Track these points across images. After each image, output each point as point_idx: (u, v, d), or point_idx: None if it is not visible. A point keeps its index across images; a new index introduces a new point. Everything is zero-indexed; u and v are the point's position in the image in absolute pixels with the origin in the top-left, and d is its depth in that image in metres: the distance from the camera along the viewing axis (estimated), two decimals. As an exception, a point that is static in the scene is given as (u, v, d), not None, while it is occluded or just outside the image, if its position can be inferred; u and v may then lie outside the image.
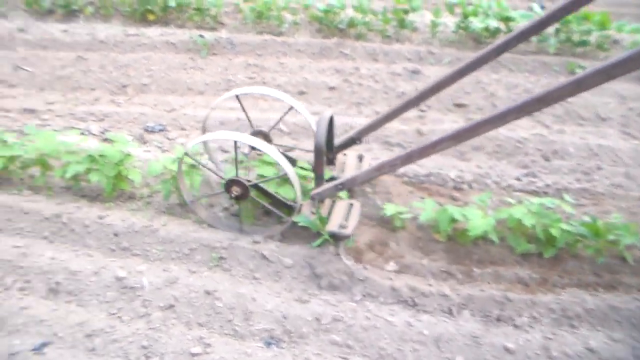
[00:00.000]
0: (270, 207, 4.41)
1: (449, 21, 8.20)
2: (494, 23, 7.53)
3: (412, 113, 6.31)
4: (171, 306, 3.97)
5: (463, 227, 4.41)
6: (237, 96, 4.81)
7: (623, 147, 5.84)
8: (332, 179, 4.58)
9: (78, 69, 7.26)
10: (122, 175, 4.91)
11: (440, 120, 6.28)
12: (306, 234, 4.38)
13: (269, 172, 4.55)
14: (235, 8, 8.72)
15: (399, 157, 3.93)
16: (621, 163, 5.65)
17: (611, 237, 4.27)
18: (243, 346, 3.70)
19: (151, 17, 8.41)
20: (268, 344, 3.75)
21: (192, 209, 4.64)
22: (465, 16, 7.68)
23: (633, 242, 4.24)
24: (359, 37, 7.83)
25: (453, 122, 6.18)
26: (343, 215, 4.28)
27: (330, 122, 4.41)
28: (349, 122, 6.09)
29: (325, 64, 7.12)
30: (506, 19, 7.53)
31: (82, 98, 6.77)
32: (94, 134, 5.95)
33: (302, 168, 4.70)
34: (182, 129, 5.98)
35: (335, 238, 4.18)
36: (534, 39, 7.78)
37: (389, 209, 4.59)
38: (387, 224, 4.72)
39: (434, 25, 7.82)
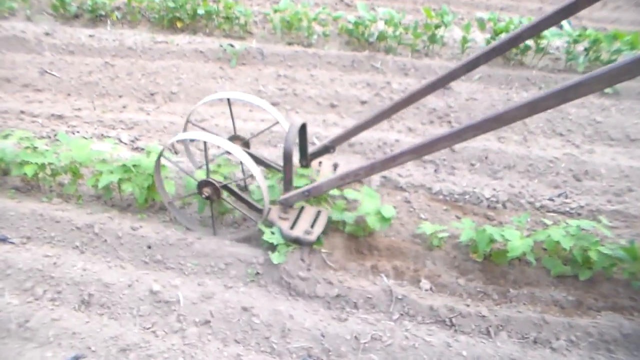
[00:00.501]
0: (240, 209, 4.52)
1: (478, 37, 8.13)
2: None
3: (444, 129, 6.25)
4: (207, 322, 3.90)
5: (499, 247, 4.39)
6: (228, 100, 4.88)
7: (653, 169, 5.74)
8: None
9: (105, 75, 7.18)
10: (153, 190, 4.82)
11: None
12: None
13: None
14: (263, 18, 8.68)
15: (363, 167, 3.96)
16: (652, 185, 5.55)
17: (648, 261, 4.21)
18: (280, 364, 3.62)
19: (179, 24, 8.34)
20: (306, 363, 3.68)
21: (169, 209, 4.67)
22: (496, 32, 7.56)
23: (669, 267, 4.18)
24: (388, 50, 7.75)
25: (484, 140, 6.09)
26: (309, 222, 4.34)
27: (303, 130, 4.52)
28: (382, 137, 5.99)
29: (357, 77, 7.02)
30: (537, 37, 7.41)
31: (110, 105, 6.69)
32: (125, 143, 5.86)
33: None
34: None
35: (300, 243, 4.24)
36: (562, 58, 7.79)
37: (427, 228, 4.54)
38: (423, 242, 4.68)
39: (465, 40, 7.73)
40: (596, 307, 4.10)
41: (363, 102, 6.65)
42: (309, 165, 4.90)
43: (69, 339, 3.74)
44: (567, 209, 5.20)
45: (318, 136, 5.98)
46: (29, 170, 4.75)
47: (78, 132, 5.97)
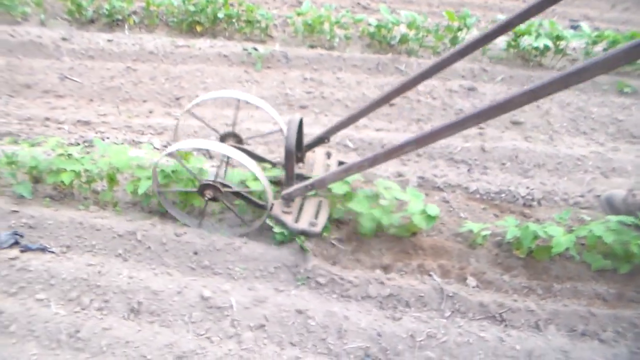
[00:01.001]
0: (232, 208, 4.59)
1: (498, 39, 8.07)
2: (545, 42, 7.39)
3: (472, 130, 6.22)
4: (262, 326, 3.86)
5: (541, 243, 4.45)
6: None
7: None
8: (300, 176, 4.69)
9: (128, 80, 7.08)
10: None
11: (500, 137, 6.18)
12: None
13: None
14: (283, 21, 8.60)
15: (367, 159, 3.99)
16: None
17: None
18: (338, 364, 3.60)
19: (199, 28, 8.24)
20: (364, 362, 3.66)
21: (159, 199, 4.68)
22: (517, 35, 7.54)
23: None
24: (409, 53, 7.70)
25: (512, 140, 6.11)
26: (313, 213, 4.41)
27: (300, 124, 4.50)
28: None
29: (382, 79, 6.97)
30: (557, 38, 7.41)
31: (135, 110, 6.59)
32: (157, 148, 5.78)
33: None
34: (246, 143, 5.80)
35: (306, 235, 4.29)
36: (580, 59, 7.88)
37: (473, 227, 4.57)
38: (465, 240, 4.72)
39: (485, 43, 7.67)
40: (637, 299, 4.17)
41: (391, 105, 6.60)
42: (303, 157, 4.92)
43: (122, 348, 3.68)
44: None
45: (351, 138, 5.94)
46: (66, 178, 4.68)
47: (108, 138, 5.87)
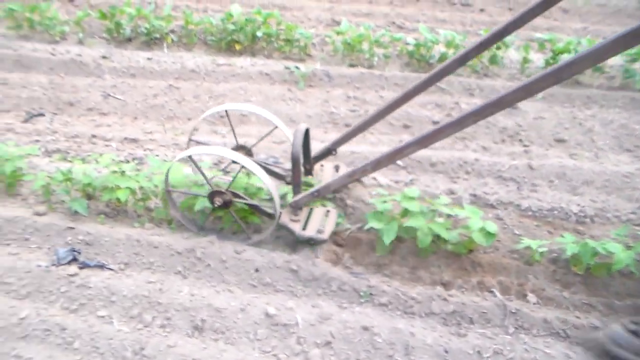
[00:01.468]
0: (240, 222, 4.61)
1: (536, 57, 8.07)
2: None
3: (517, 148, 6.22)
4: (328, 343, 3.80)
5: (598, 260, 4.39)
6: (226, 111, 5.03)
7: None
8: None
9: (171, 98, 7.08)
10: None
11: (545, 155, 6.13)
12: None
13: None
14: (321, 40, 8.62)
15: (369, 163, 4.06)
16: None
17: None
18: (406, 381, 3.56)
19: (238, 46, 8.26)
20: (432, 379, 3.62)
21: (185, 224, 4.74)
22: (555, 53, 7.53)
23: None
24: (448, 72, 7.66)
25: (557, 157, 6.06)
26: (320, 221, 4.47)
27: (307, 135, 4.58)
28: (461, 157, 5.94)
29: (424, 98, 6.94)
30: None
31: (181, 128, 6.58)
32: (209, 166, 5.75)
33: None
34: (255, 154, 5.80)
35: (313, 243, 4.40)
36: (618, 76, 7.80)
37: (531, 243, 4.52)
38: (521, 257, 4.66)
39: (525, 61, 7.69)
40: (699, 315, 4.08)
41: (435, 123, 6.58)
42: (312, 169, 4.99)
43: (189, 366, 3.65)
44: (652, 222, 5.15)
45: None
46: (122, 195, 4.68)
47: (157, 155, 5.86)
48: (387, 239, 4.39)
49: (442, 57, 7.72)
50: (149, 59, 7.84)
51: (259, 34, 8.13)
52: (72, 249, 4.50)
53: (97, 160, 5.22)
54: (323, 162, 5.19)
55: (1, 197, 5.16)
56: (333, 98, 7.03)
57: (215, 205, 4.41)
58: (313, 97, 7.07)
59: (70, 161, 5.73)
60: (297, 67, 7.44)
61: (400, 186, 5.47)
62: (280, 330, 3.89)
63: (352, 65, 7.89)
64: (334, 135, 6.30)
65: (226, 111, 5.04)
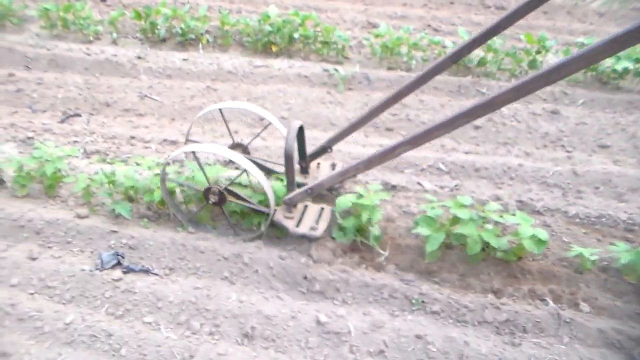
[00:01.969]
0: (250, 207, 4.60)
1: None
2: (625, 65, 7.25)
3: (561, 154, 6.11)
4: (381, 351, 3.73)
5: None
6: (220, 110, 5.12)
7: None
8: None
9: (209, 100, 7.01)
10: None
11: (588, 160, 6.03)
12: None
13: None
14: (358, 42, 8.54)
15: (361, 162, 4.06)
16: None
17: None
18: (462, 391, 3.49)
19: (274, 48, 8.20)
20: (487, 389, 3.55)
21: (176, 216, 4.76)
22: (597, 58, 7.40)
23: None
24: (486, 75, 7.57)
25: (601, 163, 5.96)
26: (314, 219, 4.51)
27: (301, 132, 4.68)
28: (505, 162, 5.85)
29: (464, 102, 6.86)
30: (637, 61, 7.27)
31: (220, 130, 6.50)
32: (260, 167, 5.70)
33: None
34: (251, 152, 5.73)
35: (307, 239, 4.44)
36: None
37: (580, 251, 4.42)
38: (571, 264, 4.55)
39: (565, 65, 7.54)
40: None
41: (477, 127, 6.49)
42: (308, 167, 5.04)
43: (240, 375, 3.56)
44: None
45: (444, 161, 5.83)
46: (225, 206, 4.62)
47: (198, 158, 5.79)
48: (431, 246, 4.32)
49: (481, 61, 7.64)
50: (184, 59, 7.79)
51: (295, 35, 8.07)
52: (115, 253, 4.44)
53: (138, 162, 5.13)
54: (320, 160, 5.22)
55: (41, 199, 5.10)
56: (373, 101, 6.93)
57: (210, 202, 4.48)
58: (352, 100, 6.99)
59: (110, 163, 5.67)
60: (336, 70, 7.35)
61: (446, 192, 5.39)
62: (332, 338, 3.83)
63: (390, 69, 7.80)
64: (375, 140, 6.25)
65: (220, 110, 5.11)
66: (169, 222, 4.85)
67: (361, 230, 4.61)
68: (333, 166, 5.22)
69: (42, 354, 3.66)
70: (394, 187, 5.40)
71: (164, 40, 8.56)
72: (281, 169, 5.05)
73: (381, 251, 4.57)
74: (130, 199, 4.99)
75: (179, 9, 8.47)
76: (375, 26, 9.18)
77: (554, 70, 3.07)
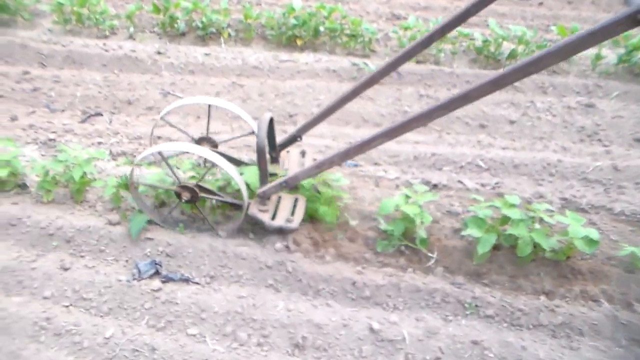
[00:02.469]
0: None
1: (607, 53, 7.77)
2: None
3: (597, 148, 5.99)
4: (437, 359, 3.62)
5: None
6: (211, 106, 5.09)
7: None
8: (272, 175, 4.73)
9: (235, 96, 6.80)
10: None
11: (628, 155, 5.87)
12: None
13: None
14: (385, 35, 8.33)
15: (337, 154, 3.98)
16: None
17: None
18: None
19: (299, 41, 8.00)
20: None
21: (150, 216, 4.59)
22: (630, 50, 7.23)
23: None
24: (516, 68, 7.38)
25: (639, 158, 5.74)
26: (289, 210, 4.45)
27: (271, 124, 4.60)
28: (544, 158, 5.70)
29: (498, 96, 6.68)
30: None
31: (250, 128, 6.30)
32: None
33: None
34: (376, 164, 5.54)
35: (282, 232, 4.37)
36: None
37: (633, 250, 4.30)
38: (621, 263, 4.41)
39: (598, 58, 7.38)
40: None
41: (512, 122, 6.33)
42: (278, 156, 5.00)
43: (294, 388, 3.44)
44: None
45: (482, 158, 5.67)
46: (202, 203, 4.52)
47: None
48: (483, 248, 4.18)
49: (512, 54, 7.47)
50: (206, 54, 7.59)
51: (321, 28, 7.86)
52: (153, 261, 4.26)
53: (178, 166, 4.93)
54: (289, 148, 5.15)
55: (67, 204, 4.91)
56: (405, 96, 6.77)
57: (183, 200, 4.40)
58: (383, 95, 6.80)
59: (137, 165, 5.46)
60: (365, 64, 7.16)
61: (487, 190, 5.23)
62: (387, 346, 3.69)
63: (419, 62, 7.60)
64: (408, 136, 6.06)
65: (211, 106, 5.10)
66: (204, 226, 4.66)
67: (406, 233, 4.45)
68: (302, 153, 5.17)
69: (84, 371, 3.49)
70: (435, 185, 5.24)
71: (183, 34, 8.34)
72: (250, 161, 5.12)
73: (429, 254, 4.42)
74: (163, 203, 4.81)
75: (200, 2, 8.22)
76: (399, 18, 9.03)
77: (531, 63, 3.07)
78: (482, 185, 5.28)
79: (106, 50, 7.58)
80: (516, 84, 6.92)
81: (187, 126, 6.28)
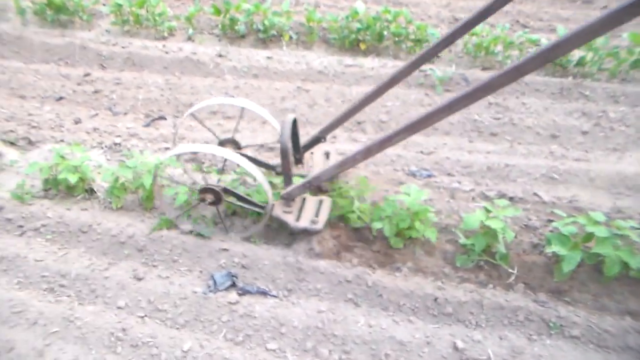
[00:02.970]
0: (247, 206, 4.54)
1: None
2: None
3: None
4: (525, 380, 3.50)
5: None
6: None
7: None
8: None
9: (302, 102, 6.72)
10: (412, 229, 4.42)
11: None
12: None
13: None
14: (449, 40, 8.18)
15: (359, 151, 3.99)
16: None
17: None
18: None
19: (362, 46, 7.91)
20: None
21: (176, 223, 4.65)
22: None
23: None
24: (584, 76, 7.21)
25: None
26: (314, 212, 4.44)
27: (294, 125, 4.59)
28: (620, 170, 5.53)
29: (568, 105, 6.53)
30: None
31: (227, 125, 6.29)
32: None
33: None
34: (450, 174, 5.41)
35: (308, 233, 4.34)
36: None
37: None
38: None
39: (667, 64, 7.17)
40: None
41: (584, 133, 6.17)
42: (302, 158, 4.99)
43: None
44: None
45: (556, 170, 5.52)
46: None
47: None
48: (568, 266, 4.04)
49: (581, 62, 7.28)
50: (269, 57, 7.51)
51: (385, 33, 7.72)
52: (229, 273, 4.18)
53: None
54: (313, 149, 5.16)
55: (136, 211, 4.88)
56: (474, 104, 6.59)
57: (207, 203, 4.41)
58: (451, 102, 6.65)
59: (206, 172, 5.39)
60: (433, 70, 7.02)
61: (564, 203, 5.07)
62: (474, 365, 3.59)
63: (485, 68, 7.48)
64: (479, 145, 5.95)
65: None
66: (279, 236, 4.62)
67: (486, 248, 4.35)
68: (327, 155, 5.17)
69: (162, 384, 3.45)
70: (511, 198, 5.10)
71: (243, 36, 8.29)
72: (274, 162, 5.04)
73: (510, 270, 4.30)
74: (234, 212, 4.76)
75: (260, 4, 8.13)
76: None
77: (550, 50, 3.06)
78: (558, 198, 5.13)
79: (166, 53, 7.54)
80: (587, 92, 6.77)
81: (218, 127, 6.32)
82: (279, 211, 4.35)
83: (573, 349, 3.69)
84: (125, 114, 6.58)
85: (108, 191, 4.86)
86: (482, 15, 4.10)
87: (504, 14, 9.34)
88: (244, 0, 8.27)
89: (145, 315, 3.92)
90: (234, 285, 4.11)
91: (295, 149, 4.83)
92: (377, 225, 4.38)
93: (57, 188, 5.00)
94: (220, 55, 7.51)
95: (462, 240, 4.40)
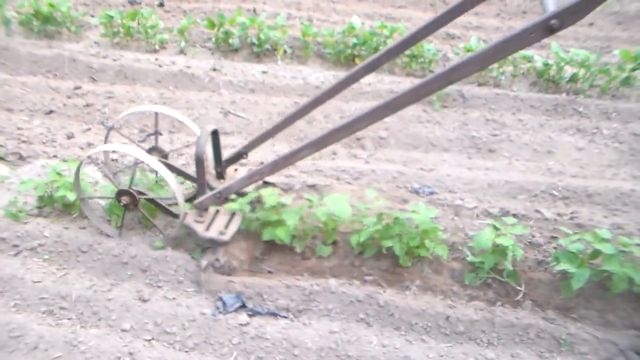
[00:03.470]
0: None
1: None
2: None
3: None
4: (538, 398, 3.51)
5: None
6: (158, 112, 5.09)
7: None
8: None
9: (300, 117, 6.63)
10: (422, 247, 4.40)
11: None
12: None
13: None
14: (443, 56, 8.23)
15: (267, 165, 4.09)
16: None
17: None
18: None
19: (358, 61, 7.85)
20: None
21: (81, 206, 4.66)
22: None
23: None
24: (576, 92, 7.25)
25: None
26: (224, 224, 4.47)
27: (216, 137, 4.66)
28: (617, 187, 5.57)
29: (563, 122, 6.59)
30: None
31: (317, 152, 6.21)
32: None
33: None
34: (451, 191, 5.41)
35: (214, 244, 4.36)
36: None
37: None
38: None
39: (658, 81, 7.24)
40: None
41: (579, 149, 6.23)
42: (223, 172, 4.96)
43: None
44: None
45: (555, 187, 5.57)
46: (284, 234, 4.42)
47: (304, 182, 5.51)
48: (577, 283, 4.07)
49: (573, 78, 7.34)
50: (264, 72, 7.47)
51: (381, 48, 7.68)
52: (238, 294, 4.15)
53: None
54: (237, 166, 5.15)
55: (137, 230, 4.82)
56: (471, 121, 6.65)
57: (122, 205, 4.45)
58: (450, 119, 6.69)
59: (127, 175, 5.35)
60: (432, 86, 7.04)
61: (565, 220, 5.09)
62: (489, 385, 3.59)
63: (480, 84, 7.50)
64: (478, 162, 5.98)
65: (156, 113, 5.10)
66: (290, 253, 4.61)
67: (494, 266, 4.36)
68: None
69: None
70: (514, 215, 5.09)
71: (236, 50, 8.22)
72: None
73: (518, 287, 4.33)
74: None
75: (255, 18, 8.09)
76: (453, 37, 8.97)
77: (452, 71, 3.15)
78: (559, 215, 5.16)
79: (159, 66, 7.47)
80: (580, 108, 6.82)
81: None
82: (190, 220, 4.41)
83: (583, 367, 3.71)
84: (119, 128, 6.50)
85: (107, 209, 4.80)
86: (429, 29, 4.12)
87: (494, 29, 9.39)
88: (238, 13, 8.21)
89: (153, 339, 3.88)
90: (243, 306, 4.09)
91: (217, 162, 4.87)
92: (387, 243, 4.35)
93: (53, 206, 4.91)
94: (214, 69, 7.46)
95: (471, 258, 4.41)
